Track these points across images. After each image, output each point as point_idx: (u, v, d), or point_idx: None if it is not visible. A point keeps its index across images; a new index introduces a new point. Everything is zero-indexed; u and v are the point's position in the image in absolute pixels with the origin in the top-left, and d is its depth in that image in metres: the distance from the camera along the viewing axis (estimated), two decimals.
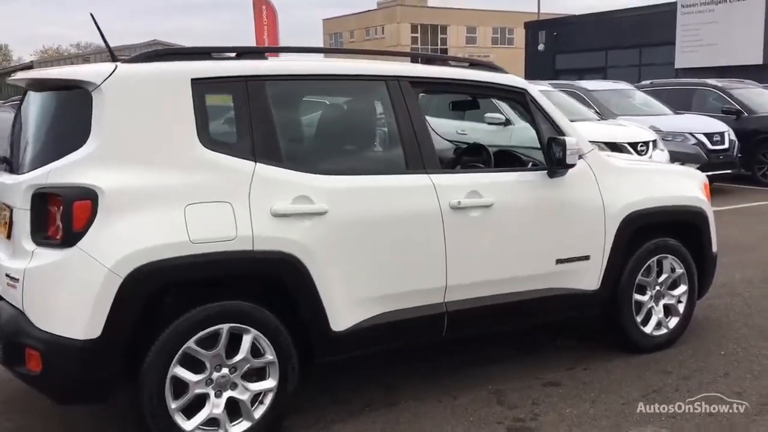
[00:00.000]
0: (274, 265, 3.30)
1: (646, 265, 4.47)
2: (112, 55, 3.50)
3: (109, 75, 3.12)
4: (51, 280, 3.00)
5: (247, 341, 3.27)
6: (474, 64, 4.24)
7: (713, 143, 11.64)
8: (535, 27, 33.88)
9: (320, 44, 59.81)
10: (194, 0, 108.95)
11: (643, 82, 15.73)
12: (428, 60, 4.13)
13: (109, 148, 3.07)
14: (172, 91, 3.22)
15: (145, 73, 3.23)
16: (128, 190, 3.04)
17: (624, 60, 28.16)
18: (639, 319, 4.49)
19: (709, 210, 4.76)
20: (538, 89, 8.56)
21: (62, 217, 2.97)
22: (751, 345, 4.67)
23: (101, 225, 2.98)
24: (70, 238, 2.97)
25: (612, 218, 4.23)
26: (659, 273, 4.57)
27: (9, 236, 3.22)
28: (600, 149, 9.87)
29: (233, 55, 3.52)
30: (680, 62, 25.16)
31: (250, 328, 3.26)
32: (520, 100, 4.16)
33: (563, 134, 4.10)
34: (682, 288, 4.66)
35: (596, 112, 11.62)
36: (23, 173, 3.18)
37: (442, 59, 4.18)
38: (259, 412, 3.34)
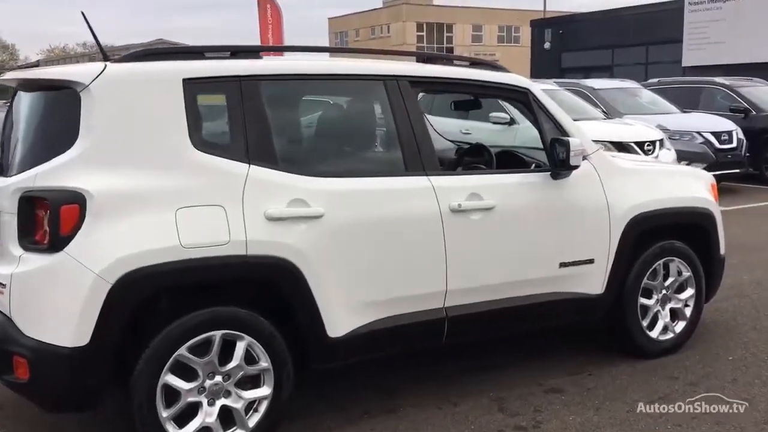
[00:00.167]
0: (269, 270, 3.21)
1: (652, 268, 4.37)
2: (103, 53, 3.42)
3: (98, 75, 3.04)
4: (38, 286, 2.93)
5: (240, 348, 3.18)
6: (475, 63, 4.14)
7: (721, 142, 11.51)
8: (541, 25, 33.69)
9: (326, 43, 59.70)
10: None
11: (650, 81, 15.58)
12: (428, 59, 4.03)
13: (97, 150, 2.99)
14: (163, 91, 3.14)
15: (135, 72, 3.15)
16: (117, 193, 2.96)
17: (630, 58, 27.95)
18: (645, 323, 4.39)
19: (717, 211, 4.65)
20: (543, 88, 8.46)
21: (49, 222, 2.89)
22: (760, 350, 4.56)
23: (89, 229, 2.90)
24: (57, 243, 2.89)
25: (617, 220, 4.13)
26: (666, 276, 4.46)
27: None
28: (606, 149, 9.86)
29: (227, 54, 3.43)
30: (687, 60, 24.94)
31: (243, 334, 3.18)
32: (522, 100, 4.06)
33: (567, 135, 4.00)
34: (689, 291, 4.55)
35: (602, 110, 11.50)
36: (11, 176, 3.11)
37: (443, 58, 4.06)
38: (253, 421, 3.25)
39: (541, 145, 4.07)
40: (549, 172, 3.98)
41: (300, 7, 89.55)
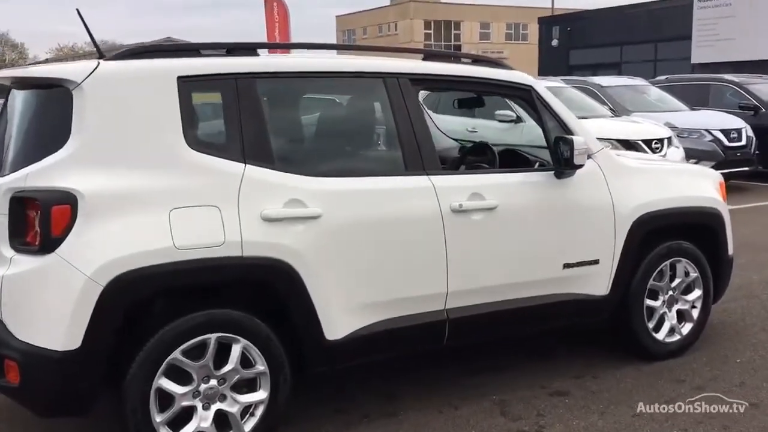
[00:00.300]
0: (265, 272, 3.15)
1: (659, 269, 4.28)
2: (98, 51, 3.37)
3: (90, 73, 2.98)
4: (29, 288, 2.87)
5: (236, 351, 3.13)
6: (478, 61, 4.06)
7: (730, 140, 11.37)
8: (548, 22, 33.51)
9: (333, 42, 59.59)
10: None
11: (659, 78, 15.43)
12: (430, 56, 3.95)
13: (89, 150, 2.93)
14: (156, 89, 3.08)
15: (128, 70, 3.09)
16: (109, 193, 2.90)
17: (639, 55, 27.75)
18: (651, 325, 4.30)
19: (725, 211, 4.56)
20: (549, 85, 8.31)
21: (40, 223, 2.83)
22: None
23: (81, 231, 2.84)
24: (48, 245, 2.83)
25: (622, 220, 4.05)
26: (672, 277, 4.38)
27: None
28: (613, 147, 9.76)
29: (224, 51, 3.36)
30: (697, 57, 24.74)
31: (239, 337, 3.12)
32: (525, 98, 3.98)
33: (571, 133, 3.92)
34: (697, 293, 4.47)
35: (610, 108, 11.40)
36: (3, 176, 3.05)
37: (446, 55, 3.99)
38: (249, 425, 3.19)
39: (546, 144, 3.99)
40: (553, 172, 3.90)
41: (308, 5, 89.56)
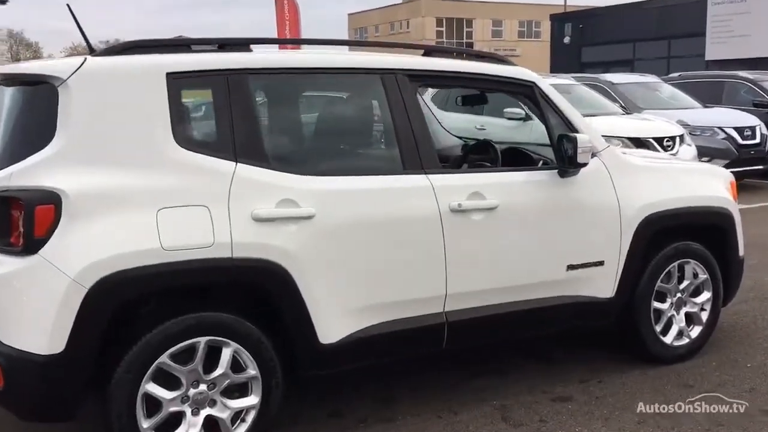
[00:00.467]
0: (256, 274, 3.06)
1: (666, 270, 4.15)
2: (89, 47, 3.29)
3: (77, 69, 2.90)
4: (12, 290, 2.79)
5: (226, 355, 3.04)
6: (479, 56, 3.95)
7: (744, 138, 11.17)
8: (560, 19, 33.27)
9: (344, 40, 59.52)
10: None
11: (671, 75, 15.25)
12: (429, 52, 3.84)
13: (75, 148, 2.85)
14: (145, 85, 2.99)
15: (116, 66, 3.01)
16: (95, 193, 2.82)
17: (652, 52, 27.49)
18: (658, 328, 4.18)
19: (736, 211, 4.42)
20: (559, 83, 8.12)
21: (24, 223, 2.75)
22: None
23: (65, 231, 2.76)
24: (31, 246, 2.75)
25: (628, 221, 3.93)
26: (680, 279, 4.25)
27: None
28: (624, 145, 9.60)
29: (215, 47, 3.27)
30: (711, 54, 24.49)
31: (230, 341, 3.04)
32: (528, 94, 3.87)
33: (576, 131, 3.80)
34: (706, 295, 4.34)
35: (621, 106, 11.23)
36: None
37: (446, 51, 3.88)
38: (240, 431, 3.11)
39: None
40: (556, 170, 3.79)
41: (321, 3, 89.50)
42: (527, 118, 8.79)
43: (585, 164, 3.71)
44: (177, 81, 3.04)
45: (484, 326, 3.67)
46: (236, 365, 3.08)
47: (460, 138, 5.18)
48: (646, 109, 11.36)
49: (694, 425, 3.53)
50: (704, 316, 4.34)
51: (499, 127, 8.96)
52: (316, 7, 68.25)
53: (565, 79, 11.71)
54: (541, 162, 4.12)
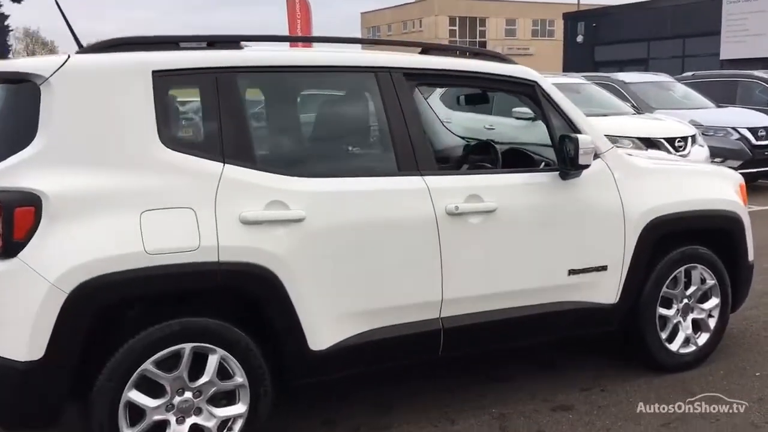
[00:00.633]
0: (244, 279, 2.97)
1: (673, 275, 4.02)
2: (78, 43, 3.22)
3: (59, 67, 2.82)
4: None
5: (212, 362, 2.95)
6: (478, 54, 3.84)
7: (758, 138, 10.97)
8: (573, 18, 32.99)
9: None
10: None
11: (685, 74, 15.02)
12: (427, 50, 3.73)
13: (57, 148, 2.77)
14: (130, 84, 2.91)
15: (100, 64, 2.92)
16: (76, 195, 2.74)
17: (666, 51, 27.19)
18: (664, 335, 4.05)
19: (745, 214, 4.28)
20: (570, 82, 7.92)
21: (2, 225, 2.67)
22: None
23: (45, 234, 2.68)
24: (10, 249, 2.67)
25: (633, 224, 3.80)
26: (687, 284, 4.12)
27: None
28: (635, 145, 9.42)
29: (204, 44, 3.18)
30: (726, 53, 24.17)
31: (216, 347, 2.95)
32: (529, 94, 3.75)
33: (578, 131, 3.69)
34: (714, 301, 4.20)
35: (633, 105, 11.06)
36: None
37: (444, 49, 3.77)
38: None
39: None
40: (558, 172, 3.67)
41: (334, 2, 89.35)
42: (536, 117, 8.68)
43: (587, 166, 3.59)
44: (163, 79, 2.96)
45: (482, 333, 3.56)
46: (223, 372, 2.99)
47: (463, 138, 5.06)
48: (658, 109, 11.18)
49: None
50: (712, 322, 4.21)
51: (508, 126, 8.80)
52: (330, 6, 68.12)
53: (574, 78, 11.56)
54: (543, 163, 4.00)
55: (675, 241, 4.02)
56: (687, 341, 4.13)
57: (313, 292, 3.08)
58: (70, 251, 2.69)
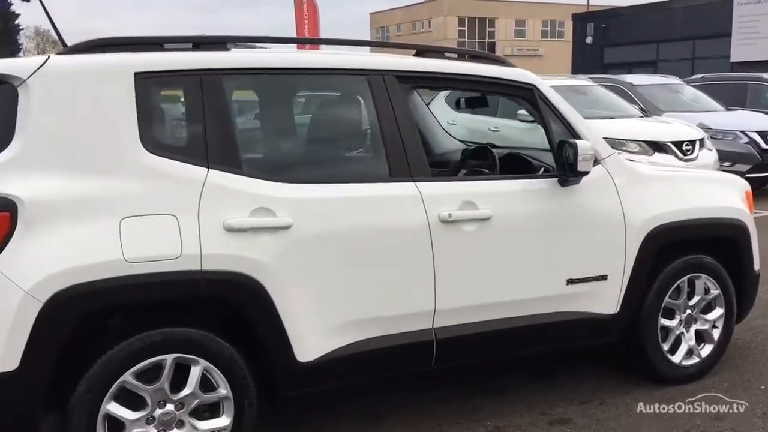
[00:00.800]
0: (227, 288, 2.87)
1: (675, 285, 3.91)
2: (62, 43, 3.14)
3: (38, 68, 2.74)
4: None
5: (195, 373, 2.86)
6: (476, 57, 3.73)
7: (767, 142, 10.81)
8: (583, 19, 32.80)
9: (367, 39, 59.30)
10: None
11: (694, 77, 14.84)
12: (421, 52, 3.63)
13: (34, 152, 2.69)
14: (111, 86, 2.82)
15: (80, 65, 2.84)
16: (53, 200, 2.65)
17: (676, 53, 26.96)
18: (666, 347, 3.94)
19: (751, 222, 4.15)
20: (576, 84, 7.77)
21: None
22: None
23: (20, 241, 2.59)
24: None
25: (634, 233, 3.69)
26: (690, 294, 4.00)
27: None
28: (641, 149, 9.27)
29: (190, 46, 3.09)
30: (736, 55, 23.94)
31: (198, 358, 2.86)
32: (527, 97, 3.64)
33: (578, 136, 3.57)
34: (718, 311, 4.08)
35: (640, 108, 10.91)
36: None
37: (438, 51, 3.66)
38: None
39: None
40: (557, 178, 3.57)
41: (343, 2, 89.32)
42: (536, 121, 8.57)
43: (586, 172, 3.48)
44: (146, 81, 2.87)
45: (476, 344, 3.46)
46: (207, 384, 2.90)
47: (463, 142, 4.96)
48: (666, 112, 11.04)
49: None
50: (716, 333, 4.09)
51: (513, 129, 8.71)
52: (339, 6, 68.06)
53: (581, 80, 11.42)
54: (542, 169, 3.89)
55: (678, 250, 3.91)
56: (690, 353, 4.02)
57: (300, 301, 2.98)
58: (46, 259, 2.60)
